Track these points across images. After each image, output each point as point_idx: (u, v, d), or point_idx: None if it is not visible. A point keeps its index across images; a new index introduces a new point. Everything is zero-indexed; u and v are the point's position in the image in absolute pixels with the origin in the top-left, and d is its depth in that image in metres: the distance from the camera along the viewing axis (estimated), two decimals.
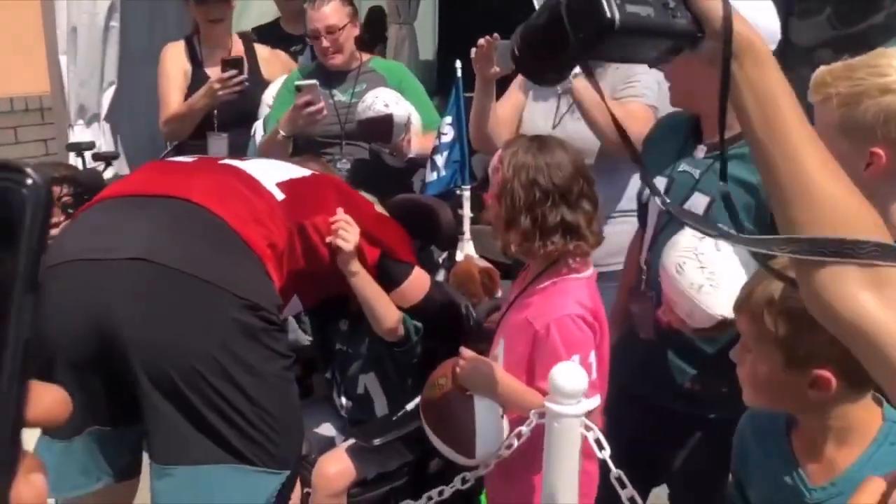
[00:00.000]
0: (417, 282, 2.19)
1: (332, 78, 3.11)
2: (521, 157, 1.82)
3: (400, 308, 2.19)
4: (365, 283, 2.12)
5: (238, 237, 1.77)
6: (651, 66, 1.29)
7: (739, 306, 1.34)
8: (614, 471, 1.62)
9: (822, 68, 1.49)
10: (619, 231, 2.34)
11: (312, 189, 2.03)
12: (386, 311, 2.17)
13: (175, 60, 3.34)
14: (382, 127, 2.85)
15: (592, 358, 1.79)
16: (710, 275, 1.66)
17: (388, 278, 2.15)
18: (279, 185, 1.94)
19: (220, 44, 3.36)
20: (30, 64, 4.43)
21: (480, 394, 1.83)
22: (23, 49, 4.43)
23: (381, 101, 2.87)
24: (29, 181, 0.37)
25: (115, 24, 4.21)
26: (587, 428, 1.62)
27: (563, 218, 1.79)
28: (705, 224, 1.36)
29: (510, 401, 1.83)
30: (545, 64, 0.99)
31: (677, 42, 0.96)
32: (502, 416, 1.86)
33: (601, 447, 1.63)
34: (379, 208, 2.29)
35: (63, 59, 4.13)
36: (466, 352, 1.87)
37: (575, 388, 1.60)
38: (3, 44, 4.29)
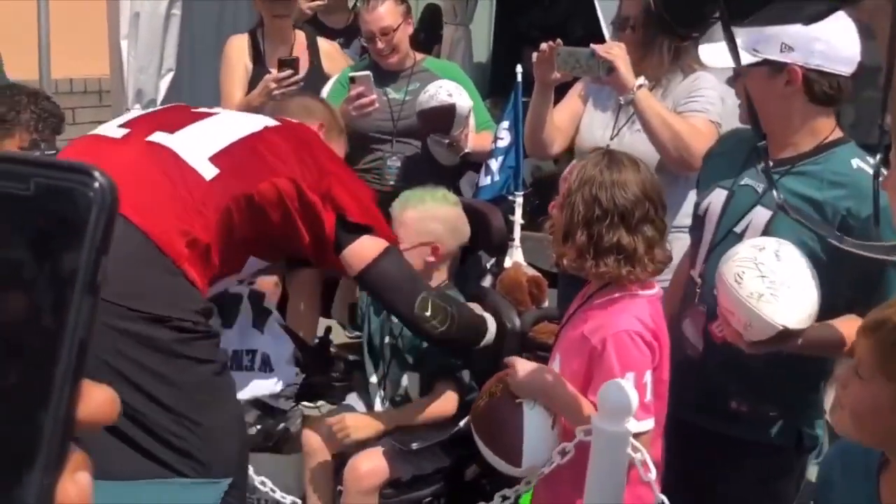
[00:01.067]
0: (360, 247, 1.95)
1: (385, 76, 3.11)
2: (589, 171, 1.79)
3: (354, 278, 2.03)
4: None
5: (147, 241, 1.68)
6: (806, 24, 1.25)
7: (868, 328, 1.27)
8: (658, 496, 1.58)
9: None
10: (674, 247, 2.29)
11: (256, 151, 1.87)
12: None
13: (238, 54, 3.36)
14: (444, 116, 2.85)
15: (648, 378, 1.73)
16: (771, 284, 1.63)
17: (337, 245, 1.94)
18: (213, 158, 1.81)
19: (283, 39, 3.36)
20: (91, 47, 4.50)
21: (534, 398, 1.80)
22: (85, 32, 4.51)
23: (445, 90, 2.87)
24: (96, 184, 0.38)
25: (176, 12, 4.24)
26: (634, 449, 1.58)
27: (619, 241, 1.74)
28: (822, 226, 1.30)
29: (564, 407, 1.79)
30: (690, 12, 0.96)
31: None
32: (553, 428, 1.82)
33: (647, 469, 1.59)
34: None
35: (124, 44, 4.17)
36: (516, 360, 1.85)
37: (623, 406, 1.56)
38: (66, 26, 4.36)
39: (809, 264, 1.70)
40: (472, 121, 2.94)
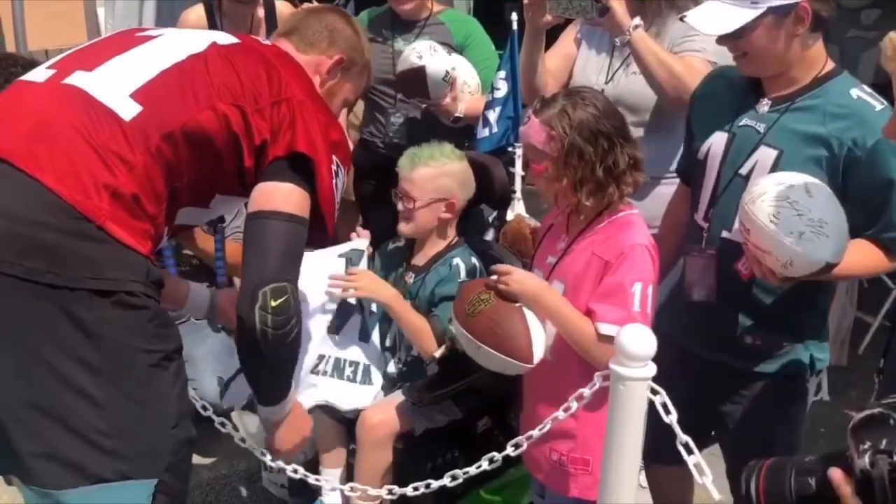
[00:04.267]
0: (275, 190, 1.65)
1: (398, 24, 3.04)
2: (575, 114, 1.85)
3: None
4: (399, 316, 2.27)
5: (57, 200, 1.46)
6: None
7: None
8: (681, 436, 1.59)
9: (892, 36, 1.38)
10: (673, 192, 2.29)
11: (191, 79, 1.62)
12: (424, 344, 2.26)
13: (194, 27, 3.17)
14: (416, 80, 2.76)
15: (650, 290, 1.83)
16: (810, 221, 1.66)
17: (262, 174, 1.67)
18: (136, 94, 1.58)
19: (241, 21, 3.17)
20: (67, 16, 4.39)
21: (530, 305, 1.89)
22: (59, 1, 4.40)
23: (416, 53, 2.79)
24: None
25: None
26: (654, 392, 1.59)
27: (630, 155, 1.88)
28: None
29: (558, 318, 1.88)
30: None
31: None
32: (545, 324, 1.92)
33: (668, 411, 1.60)
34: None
35: (101, 11, 4.09)
36: (503, 267, 1.94)
37: (642, 350, 1.56)
38: None
39: (835, 196, 1.72)
40: (471, 84, 2.84)
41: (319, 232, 1.75)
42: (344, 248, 2.43)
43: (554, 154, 1.86)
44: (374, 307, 2.42)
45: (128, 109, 1.56)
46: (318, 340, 2.36)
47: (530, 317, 1.88)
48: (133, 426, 1.49)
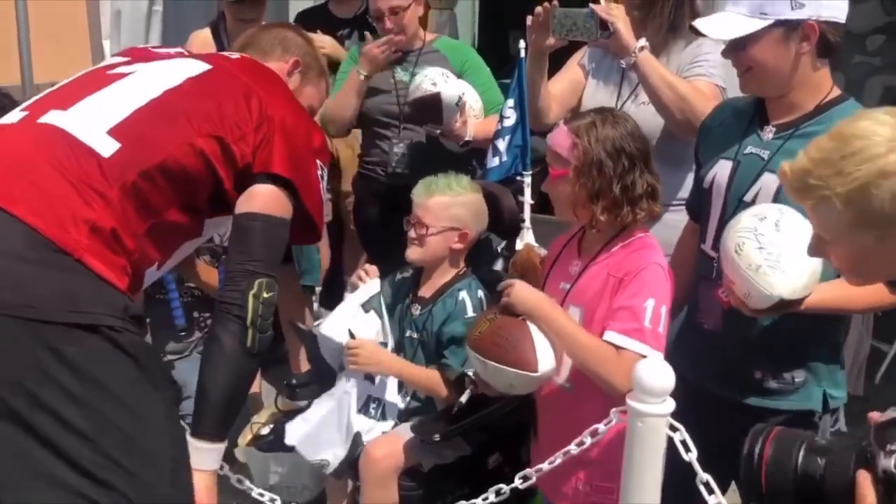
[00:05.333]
0: (258, 192, 1.69)
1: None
2: (603, 129, 1.88)
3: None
4: (409, 381, 2.28)
5: (34, 235, 1.44)
6: None
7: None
8: (701, 475, 1.53)
9: (791, 166, 1.30)
10: (682, 219, 2.25)
11: (167, 114, 1.63)
12: (438, 392, 2.26)
13: (201, 49, 3.21)
14: (431, 107, 2.80)
15: (664, 310, 1.82)
16: (769, 255, 1.66)
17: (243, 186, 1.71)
18: (113, 131, 1.58)
19: None
20: (73, 49, 4.41)
21: (532, 317, 1.89)
22: (65, 34, 4.42)
23: (430, 80, 2.83)
24: None
25: (157, 8, 4.19)
26: (673, 428, 1.53)
27: (648, 183, 1.90)
28: None
29: (558, 329, 1.87)
30: None
31: None
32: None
33: (687, 449, 1.54)
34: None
35: (106, 44, 4.11)
36: (506, 282, 1.95)
37: (661, 385, 1.51)
38: (45, 28, 4.27)
39: (811, 232, 1.67)
40: (475, 108, 2.88)
41: (311, 234, 1.83)
42: (363, 296, 2.41)
43: (575, 162, 1.87)
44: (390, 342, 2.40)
45: (106, 146, 1.56)
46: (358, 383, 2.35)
47: (536, 329, 1.88)
48: (124, 456, 1.43)
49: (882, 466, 1.07)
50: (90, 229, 1.48)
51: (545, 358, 1.86)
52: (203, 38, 3.33)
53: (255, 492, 1.92)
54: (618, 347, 1.77)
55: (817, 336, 1.91)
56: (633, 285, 1.83)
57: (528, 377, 1.86)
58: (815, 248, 1.35)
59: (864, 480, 1.11)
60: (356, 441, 2.28)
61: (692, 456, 1.53)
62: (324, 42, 3.60)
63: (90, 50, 4.19)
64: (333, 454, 2.29)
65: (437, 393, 2.28)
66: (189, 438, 1.59)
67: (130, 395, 1.46)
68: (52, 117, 1.60)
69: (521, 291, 1.91)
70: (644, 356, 1.71)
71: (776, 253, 1.65)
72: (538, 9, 2.30)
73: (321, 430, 2.30)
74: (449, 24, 5.74)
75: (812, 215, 1.31)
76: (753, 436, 1.21)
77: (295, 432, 2.31)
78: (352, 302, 2.39)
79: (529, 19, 2.33)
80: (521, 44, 2.46)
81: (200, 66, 1.75)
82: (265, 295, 1.61)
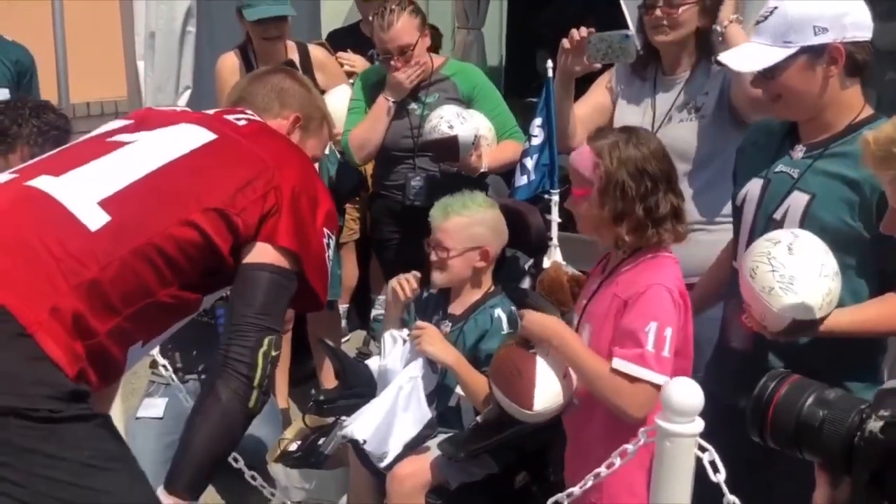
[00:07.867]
0: (262, 250, 1.60)
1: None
2: (625, 150, 1.86)
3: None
4: (463, 379, 2.24)
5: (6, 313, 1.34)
6: None
7: None
8: (728, 497, 1.52)
9: (875, 135, 1.33)
10: (723, 240, 2.24)
11: (168, 187, 1.56)
12: (482, 403, 2.19)
13: (230, 74, 3.32)
14: (448, 148, 2.82)
15: (669, 333, 1.78)
16: (781, 278, 1.66)
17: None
18: (105, 202, 1.49)
19: (275, 57, 3.31)
20: (108, 69, 4.49)
21: (542, 344, 1.89)
22: (101, 54, 4.50)
23: (446, 122, 2.82)
24: None
25: (191, 29, 4.23)
26: (702, 449, 1.52)
27: (672, 204, 1.88)
28: None
29: (569, 356, 1.86)
30: None
31: None
32: (565, 377, 1.90)
33: (716, 470, 1.53)
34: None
35: (140, 65, 4.16)
36: (529, 312, 1.94)
37: (690, 404, 1.50)
38: (82, 48, 4.35)
39: (826, 255, 1.70)
40: (488, 136, 2.90)
41: (311, 303, 1.71)
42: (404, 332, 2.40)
43: (598, 183, 1.87)
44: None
45: (95, 218, 1.46)
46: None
47: (543, 365, 1.87)
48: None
49: (869, 428, 1.10)
50: (51, 308, 1.37)
51: (545, 397, 1.85)
52: (231, 65, 3.39)
53: None
54: (632, 379, 1.76)
55: (854, 355, 1.88)
56: (635, 308, 1.81)
57: (523, 413, 1.87)
58: (889, 224, 1.36)
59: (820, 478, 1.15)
60: (430, 423, 2.26)
61: (720, 477, 1.52)
62: (353, 61, 3.66)
63: (125, 71, 4.25)
64: (401, 442, 2.25)
65: (476, 399, 2.24)
66: (159, 490, 1.48)
67: (65, 468, 1.33)
68: (42, 182, 1.50)
69: (531, 319, 1.91)
70: (657, 385, 1.70)
71: (788, 275, 1.66)
72: (573, 32, 2.33)
73: (391, 416, 2.24)
74: (476, 44, 5.75)
75: (890, 189, 1.33)
76: (771, 376, 1.23)
77: (362, 428, 2.23)
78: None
79: (564, 42, 2.35)
80: (549, 63, 2.47)
81: (205, 136, 1.66)
82: (273, 353, 1.53)
